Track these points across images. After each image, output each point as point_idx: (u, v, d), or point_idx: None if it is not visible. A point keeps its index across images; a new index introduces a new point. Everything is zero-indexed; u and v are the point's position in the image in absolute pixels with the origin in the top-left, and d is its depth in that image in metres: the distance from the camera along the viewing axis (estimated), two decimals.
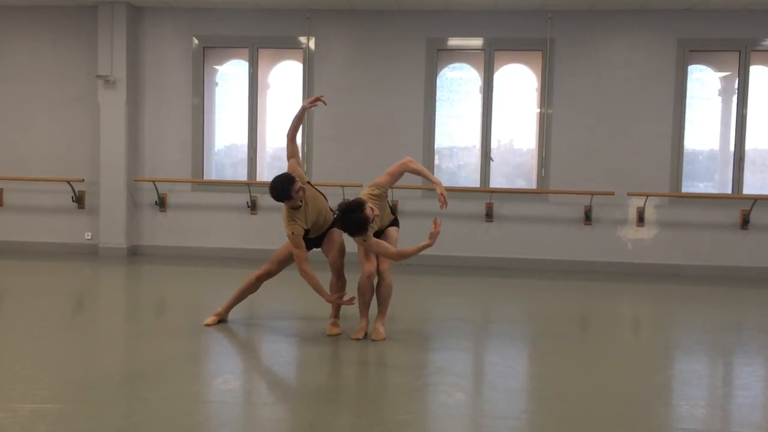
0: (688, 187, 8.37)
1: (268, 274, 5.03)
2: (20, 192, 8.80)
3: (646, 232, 8.27)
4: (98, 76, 8.35)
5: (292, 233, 4.62)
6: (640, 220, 8.24)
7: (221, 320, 5.11)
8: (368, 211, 4.41)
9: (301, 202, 4.64)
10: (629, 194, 8.16)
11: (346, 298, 4.70)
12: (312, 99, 4.97)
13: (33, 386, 3.63)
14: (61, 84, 8.69)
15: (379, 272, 4.80)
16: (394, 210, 4.99)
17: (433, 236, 4.46)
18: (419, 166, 4.90)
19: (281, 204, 4.69)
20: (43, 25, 8.68)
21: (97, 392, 3.63)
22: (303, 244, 4.67)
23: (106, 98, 8.41)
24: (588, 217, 8.27)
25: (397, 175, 4.80)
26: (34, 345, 4.48)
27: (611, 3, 7.90)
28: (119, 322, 5.26)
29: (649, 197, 8.16)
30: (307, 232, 4.75)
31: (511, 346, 4.91)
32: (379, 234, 4.83)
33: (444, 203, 4.67)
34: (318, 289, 4.67)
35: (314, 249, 5.00)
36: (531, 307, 6.29)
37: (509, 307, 6.35)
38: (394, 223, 5.02)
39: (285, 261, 4.95)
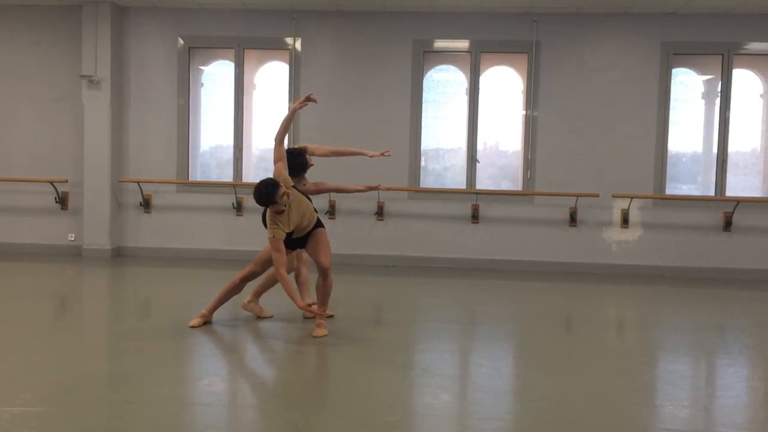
0: (672, 189, 8.44)
1: (252, 275, 5.02)
2: (2, 193, 8.70)
3: (631, 234, 8.33)
4: (82, 76, 8.29)
5: (273, 236, 4.64)
6: (625, 221, 8.30)
7: (206, 322, 5.09)
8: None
9: (285, 207, 4.64)
10: (614, 196, 8.22)
11: (314, 307, 4.71)
12: (301, 100, 4.97)
13: (15, 389, 3.59)
14: (45, 84, 8.62)
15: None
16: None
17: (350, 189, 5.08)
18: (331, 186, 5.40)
19: None
20: (26, 24, 8.60)
21: (81, 395, 3.59)
22: (283, 248, 4.69)
23: (91, 98, 8.34)
24: (573, 219, 8.32)
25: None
26: (15, 347, 4.43)
27: (596, 6, 7.96)
28: (103, 324, 5.21)
29: (633, 199, 8.22)
30: (290, 234, 4.76)
31: (496, 347, 4.92)
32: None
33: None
34: (291, 295, 4.67)
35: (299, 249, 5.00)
36: (516, 309, 6.31)
37: (495, 308, 6.37)
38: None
39: (269, 262, 4.94)
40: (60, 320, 5.40)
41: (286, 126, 4.94)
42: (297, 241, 4.95)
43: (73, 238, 8.69)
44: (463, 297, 6.88)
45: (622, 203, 8.29)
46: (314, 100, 4.99)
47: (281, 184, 4.60)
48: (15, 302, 5.80)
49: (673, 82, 8.31)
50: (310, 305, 4.63)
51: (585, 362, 4.48)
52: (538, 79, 8.33)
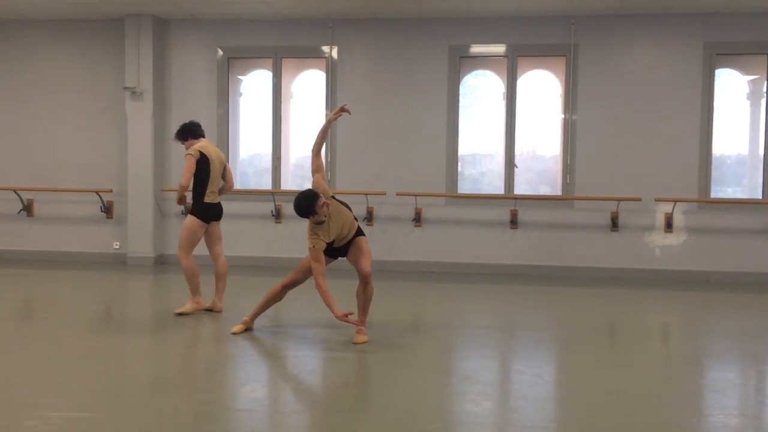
0: (717, 192, 8.25)
1: (293, 283, 5.06)
2: (50, 203, 8.96)
3: (675, 239, 8.16)
4: (125, 88, 8.49)
5: (313, 247, 4.68)
6: (668, 226, 8.13)
7: (247, 328, 5.14)
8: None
9: (325, 217, 4.67)
10: (657, 200, 8.06)
11: (351, 318, 4.70)
12: (336, 111, 5.00)
13: (64, 394, 3.68)
14: (90, 96, 8.85)
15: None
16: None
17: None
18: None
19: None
20: (71, 38, 8.86)
21: (128, 400, 3.66)
22: (322, 258, 4.72)
23: (134, 110, 8.54)
24: (615, 224, 8.18)
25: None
26: (64, 353, 4.54)
27: (635, 7, 7.84)
28: (147, 330, 5.31)
29: (677, 203, 8.05)
30: (330, 243, 4.79)
31: (538, 354, 4.87)
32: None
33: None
34: (329, 304, 4.68)
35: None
36: (557, 315, 6.23)
37: (535, 314, 6.30)
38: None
39: (310, 271, 4.97)
40: (106, 326, 5.51)
41: (323, 137, 4.98)
42: (338, 250, 4.97)
43: (117, 246, 8.89)
44: (503, 303, 6.82)
45: (666, 207, 8.12)
46: (348, 111, 5.02)
47: (321, 194, 4.63)
48: (63, 309, 5.95)
49: (716, 82, 8.13)
50: (346, 315, 4.64)
51: (630, 370, 4.40)
52: (576, 82, 8.23)
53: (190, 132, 5.82)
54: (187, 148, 5.78)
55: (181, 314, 5.67)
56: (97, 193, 8.73)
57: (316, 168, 4.88)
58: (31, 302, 6.58)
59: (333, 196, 4.86)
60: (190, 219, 5.67)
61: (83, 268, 8.37)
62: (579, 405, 3.68)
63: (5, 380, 3.90)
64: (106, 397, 3.71)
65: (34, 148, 8.97)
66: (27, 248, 8.99)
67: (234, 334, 5.04)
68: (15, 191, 8.84)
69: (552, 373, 4.45)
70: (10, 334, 5.10)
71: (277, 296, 5.13)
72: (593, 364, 4.48)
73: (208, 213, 5.71)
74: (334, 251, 4.94)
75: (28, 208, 8.95)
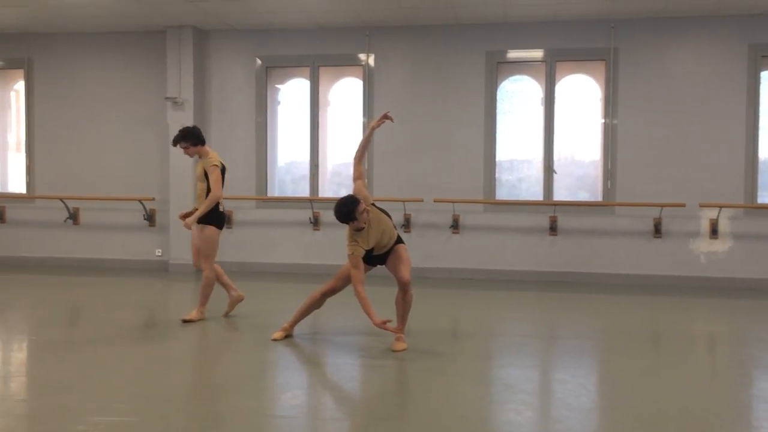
0: (765, 197, 8.02)
1: (333, 291, 5.07)
2: (95, 211, 9.17)
3: (720, 245, 7.97)
4: (167, 98, 8.66)
5: (352, 254, 4.69)
6: (714, 232, 7.94)
7: (287, 335, 5.18)
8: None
9: (365, 224, 4.68)
10: (701, 205, 7.89)
11: (390, 325, 4.69)
12: (379, 118, 5.02)
13: (111, 399, 3.75)
14: (132, 106, 9.05)
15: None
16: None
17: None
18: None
19: None
20: (114, 49, 9.08)
21: (172, 406, 3.72)
22: (361, 265, 4.73)
23: (175, 119, 8.70)
24: (658, 230, 8.02)
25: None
26: (110, 358, 4.63)
27: (677, 10, 7.70)
28: (190, 337, 5.39)
29: (722, 208, 7.86)
30: (370, 251, 4.80)
31: (581, 363, 4.79)
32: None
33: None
34: (368, 312, 4.68)
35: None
36: (600, 323, 6.13)
37: (577, 322, 6.21)
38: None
39: (349, 278, 4.98)
40: (150, 332, 5.61)
41: (365, 145, 5.02)
42: (377, 258, 4.98)
43: (160, 254, 9.05)
44: (543, 311, 6.74)
45: (711, 213, 7.93)
46: (391, 119, 5.03)
47: (361, 200, 4.65)
48: (109, 315, 6.08)
49: (762, 85, 7.92)
50: (385, 322, 4.63)
51: (675, 380, 4.30)
52: (617, 87, 8.11)
53: (202, 138, 5.86)
54: (194, 155, 5.83)
55: (188, 321, 5.73)
56: (140, 201, 8.91)
57: (358, 175, 4.90)
58: (78, 308, 6.74)
59: (373, 204, 4.86)
60: (211, 230, 5.73)
61: (127, 275, 8.54)
62: (624, 415, 3.61)
63: (54, 385, 4.00)
64: (153, 402, 3.77)
65: (80, 157, 9.20)
66: (73, 255, 9.22)
67: (274, 340, 5.08)
68: (62, 200, 9.08)
69: (595, 383, 4.38)
70: (58, 339, 5.23)
71: (316, 303, 5.16)
72: (638, 374, 4.39)
73: (222, 221, 5.83)
74: (373, 259, 4.94)
75: (74, 217, 9.18)
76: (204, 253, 5.76)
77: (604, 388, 4.24)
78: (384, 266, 5.03)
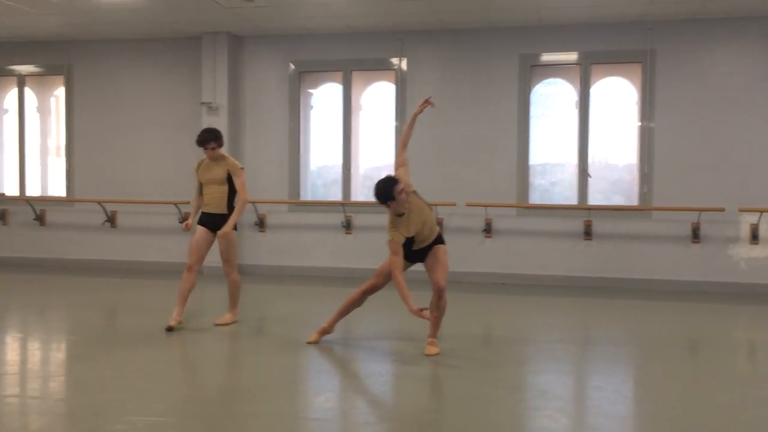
0: None
1: (374, 288, 5.02)
2: (132, 214, 9.34)
3: (761, 251, 7.77)
4: (202, 103, 8.78)
5: (392, 239, 4.67)
6: (754, 237, 7.75)
7: (326, 333, 5.16)
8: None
9: (405, 209, 4.66)
10: (741, 210, 7.70)
11: (427, 313, 4.60)
12: (421, 104, 5.04)
13: (149, 400, 3.80)
14: (168, 111, 9.19)
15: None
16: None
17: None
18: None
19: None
20: (151, 56, 9.24)
21: (209, 407, 3.76)
22: (401, 251, 4.68)
23: (209, 124, 8.79)
24: (696, 235, 7.86)
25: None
26: (146, 359, 4.70)
27: (716, 11, 7.54)
28: (224, 339, 5.44)
29: (763, 213, 7.67)
30: (410, 242, 4.78)
31: (616, 370, 4.72)
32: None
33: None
34: (405, 298, 4.59)
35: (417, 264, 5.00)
36: (636, 330, 6.02)
37: (612, 329, 6.11)
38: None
39: (389, 275, 4.95)
40: (186, 334, 5.67)
41: (409, 131, 5.02)
42: (417, 254, 4.93)
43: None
44: (577, 316, 6.65)
45: (751, 218, 7.74)
46: (432, 104, 5.05)
47: (400, 180, 4.63)
48: (145, 316, 6.17)
49: None
50: (421, 310, 4.56)
51: (715, 387, 4.20)
52: (654, 89, 7.98)
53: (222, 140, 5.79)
54: (215, 158, 5.69)
55: (221, 325, 5.76)
56: (175, 204, 9.04)
57: (401, 163, 4.89)
58: (115, 310, 6.86)
59: (415, 192, 4.82)
60: (234, 234, 5.72)
61: (163, 277, 8.66)
62: (663, 424, 3.54)
63: (93, 385, 4.07)
64: (189, 403, 3.82)
65: (117, 161, 9.38)
66: (111, 258, 9.39)
67: (309, 343, 5.09)
68: (100, 203, 9.26)
69: (632, 390, 4.31)
70: (96, 340, 5.32)
71: (356, 302, 5.11)
72: (676, 382, 4.31)
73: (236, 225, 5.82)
74: (413, 255, 4.90)
75: (111, 220, 9.36)
76: (228, 257, 5.76)
77: (642, 396, 4.16)
78: (422, 264, 4.96)
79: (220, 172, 5.69)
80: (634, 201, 8.18)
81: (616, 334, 5.88)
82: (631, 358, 5.07)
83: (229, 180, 5.70)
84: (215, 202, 5.71)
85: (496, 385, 4.16)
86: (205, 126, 8.75)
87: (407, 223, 4.71)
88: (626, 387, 4.36)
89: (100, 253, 9.43)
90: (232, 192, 5.73)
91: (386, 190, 4.59)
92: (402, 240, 4.69)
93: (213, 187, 5.70)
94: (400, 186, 4.59)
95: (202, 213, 5.81)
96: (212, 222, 5.74)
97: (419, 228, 4.77)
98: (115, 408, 3.63)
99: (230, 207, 5.74)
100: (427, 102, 5.04)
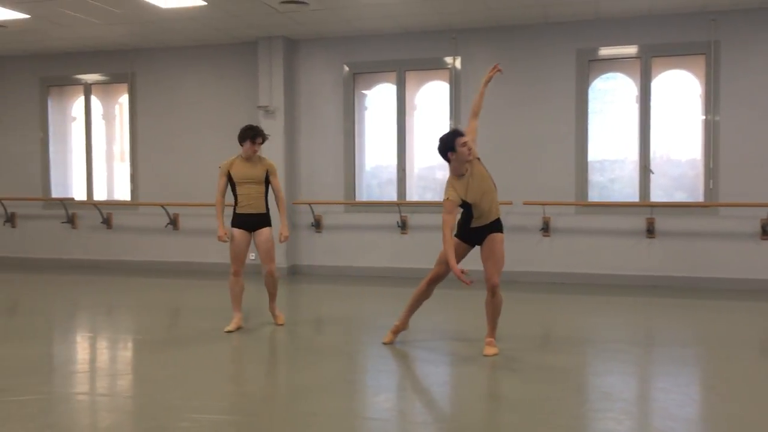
0: None
1: (438, 277, 4.96)
2: (193, 217, 9.57)
3: None
4: (259, 107, 8.93)
5: (447, 198, 4.62)
6: None
7: (401, 330, 5.14)
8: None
9: (465, 170, 4.62)
10: None
11: (467, 278, 4.42)
12: (491, 70, 5.05)
13: (211, 397, 3.89)
14: (226, 115, 9.37)
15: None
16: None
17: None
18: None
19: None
20: (209, 61, 9.46)
21: (270, 405, 3.82)
22: (454, 211, 4.64)
23: (266, 127, 8.88)
24: (765, 231, 7.54)
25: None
26: (209, 358, 4.82)
27: None
28: (283, 338, 5.51)
29: None
30: (469, 218, 4.72)
31: (684, 371, 4.57)
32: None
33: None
34: (449, 256, 4.54)
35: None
36: (702, 330, 5.82)
37: (678, 329, 5.92)
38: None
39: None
40: (247, 334, 5.77)
41: (480, 99, 5.01)
42: (474, 236, 4.84)
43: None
44: (640, 316, 6.48)
45: None
46: (500, 70, 5.07)
47: (465, 134, 4.64)
48: (207, 316, 6.31)
49: None
50: (463, 272, 4.45)
51: None
52: (718, 81, 7.70)
53: None
54: (251, 157, 5.67)
55: (282, 325, 5.77)
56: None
57: (470, 131, 4.86)
58: (178, 309, 7.05)
59: (479, 160, 4.76)
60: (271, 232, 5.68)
61: (224, 278, 8.81)
62: (733, 427, 3.41)
63: (159, 383, 4.19)
64: (251, 402, 3.89)
65: (178, 165, 9.63)
66: (173, 259, 9.65)
67: (385, 344, 5.07)
68: (162, 206, 9.53)
69: (700, 392, 4.16)
70: (162, 339, 5.48)
71: (424, 293, 5.06)
72: (745, 384, 4.14)
73: None
74: (470, 234, 4.82)
75: (174, 222, 9.62)
76: (272, 255, 5.67)
77: (711, 398, 4.01)
78: (478, 253, 4.87)
79: (259, 171, 5.65)
80: (698, 197, 7.91)
81: (682, 334, 5.70)
82: (698, 359, 4.90)
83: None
84: (255, 202, 5.63)
85: (557, 387, 4.09)
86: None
87: (466, 187, 4.64)
88: (694, 389, 4.22)
89: (163, 255, 9.70)
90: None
91: (448, 139, 4.60)
92: (458, 200, 4.63)
93: (251, 186, 5.61)
94: (464, 139, 4.57)
95: (238, 214, 5.65)
96: (250, 222, 5.63)
97: (478, 197, 4.67)
98: (180, 406, 3.72)
99: (268, 205, 5.71)
100: (495, 68, 5.04)
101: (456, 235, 4.83)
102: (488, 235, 4.79)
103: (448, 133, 4.70)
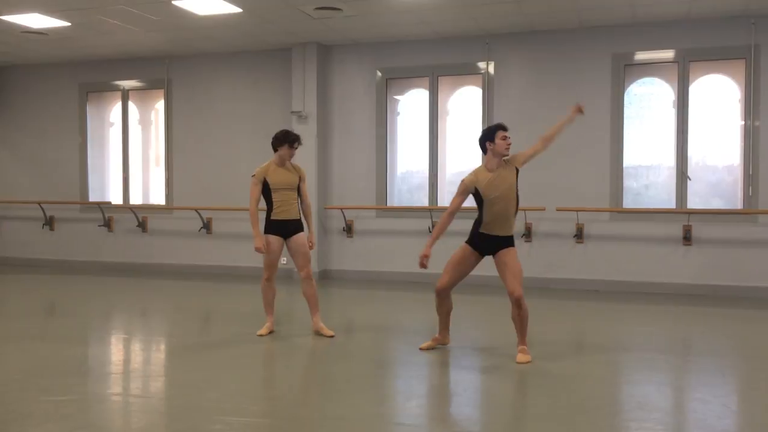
0: None
1: (444, 287, 4.98)
2: (226, 221, 9.68)
3: None
4: (293, 112, 9.00)
5: (463, 180, 4.73)
6: None
7: (442, 343, 5.12)
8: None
9: (496, 165, 4.67)
10: None
11: (426, 262, 4.81)
12: (573, 110, 5.15)
13: (243, 400, 3.92)
14: (260, 121, 9.47)
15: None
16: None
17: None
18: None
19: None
20: (244, 67, 9.57)
21: (301, 409, 3.84)
22: (463, 198, 4.74)
23: (300, 132, 8.93)
24: None
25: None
26: (242, 360, 4.86)
27: None
28: (316, 343, 5.53)
29: None
30: (479, 224, 4.75)
31: (722, 382, 4.46)
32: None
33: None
34: (434, 236, 4.80)
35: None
36: (741, 340, 5.68)
37: (714, 338, 5.79)
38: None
39: (459, 267, 4.89)
40: (279, 338, 5.80)
41: (551, 135, 5.13)
42: (486, 245, 4.81)
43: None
44: (677, 325, 6.35)
45: None
46: (582, 111, 5.20)
47: (507, 129, 4.72)
48: (240, 319, 6.37)
49: None
50: (426, 256, 4.79)
51: None
52: (758, 86, 7.53)
53: None
54: (285, 163, 5.68)
55: (320, 334, 5.64)
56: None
57: (529, 149, 4.99)
58: (212, 312, 7.13)
59: (517, 169, 4.85)
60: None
61: (256, 282, 8.89)
62: None
63: (192, 386, 4.24)
64: (281, 404, 3.91)
65: (213, 170, 9.75)
66: (206, 263, 9.77)
67: (422, 349, 5.06)
68: (197, 210, 9.66)
69: (739, 404, 4.06)
70: (195, 341, 5.54)
71: (443, 306, 5.05)
72: None
73: None
74: (480, 242, 4.80)
75: (207, 226, 9.74)
76: (310, 258, 5.65)
77: (750, 410, 3.91)
78: (485, 267, 4.91)
79: (294, 178, 5.64)
80: (736, 204, 7.74)
81: (720, 344, 5.57)
82: (737, 369, 4.78)
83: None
84: (291, 209, 5.59)
85: (591, 396, 4.02)
86: None
87: (487, 180, 4.68)
88: (732, 400, 4.12)
89: (197, 258, 9.82)
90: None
91: (490, 129, 4.73)
92: (471, 187, 4.70)
93: (287, 193, 5.57)
94: (504, 133, 4.67)
95: (274, 221, 5.57)
96: (286, 228, 5.58)
97: (495, 195, 4.68)
98: (212, 408, 3.76)
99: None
100: (578, 110, 5.09)
101: (467, 242, 4.88)
102: (499, 250, 4.78)
103: (493, 125, 4.81)
